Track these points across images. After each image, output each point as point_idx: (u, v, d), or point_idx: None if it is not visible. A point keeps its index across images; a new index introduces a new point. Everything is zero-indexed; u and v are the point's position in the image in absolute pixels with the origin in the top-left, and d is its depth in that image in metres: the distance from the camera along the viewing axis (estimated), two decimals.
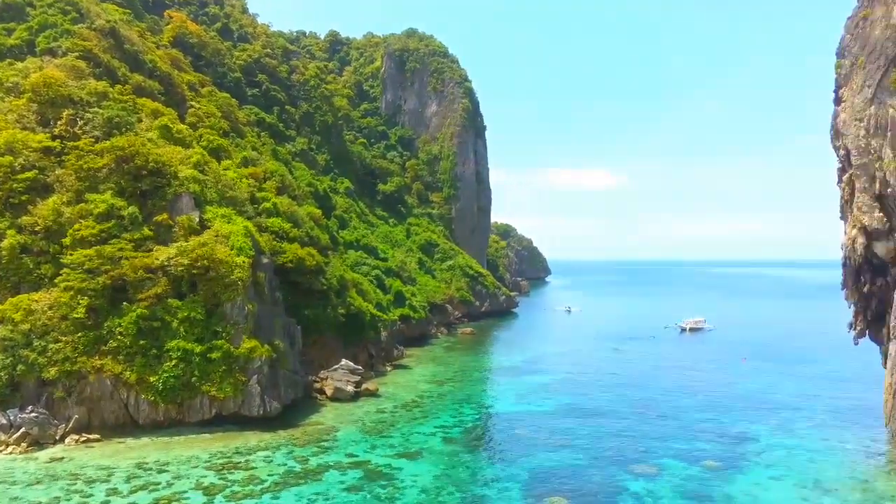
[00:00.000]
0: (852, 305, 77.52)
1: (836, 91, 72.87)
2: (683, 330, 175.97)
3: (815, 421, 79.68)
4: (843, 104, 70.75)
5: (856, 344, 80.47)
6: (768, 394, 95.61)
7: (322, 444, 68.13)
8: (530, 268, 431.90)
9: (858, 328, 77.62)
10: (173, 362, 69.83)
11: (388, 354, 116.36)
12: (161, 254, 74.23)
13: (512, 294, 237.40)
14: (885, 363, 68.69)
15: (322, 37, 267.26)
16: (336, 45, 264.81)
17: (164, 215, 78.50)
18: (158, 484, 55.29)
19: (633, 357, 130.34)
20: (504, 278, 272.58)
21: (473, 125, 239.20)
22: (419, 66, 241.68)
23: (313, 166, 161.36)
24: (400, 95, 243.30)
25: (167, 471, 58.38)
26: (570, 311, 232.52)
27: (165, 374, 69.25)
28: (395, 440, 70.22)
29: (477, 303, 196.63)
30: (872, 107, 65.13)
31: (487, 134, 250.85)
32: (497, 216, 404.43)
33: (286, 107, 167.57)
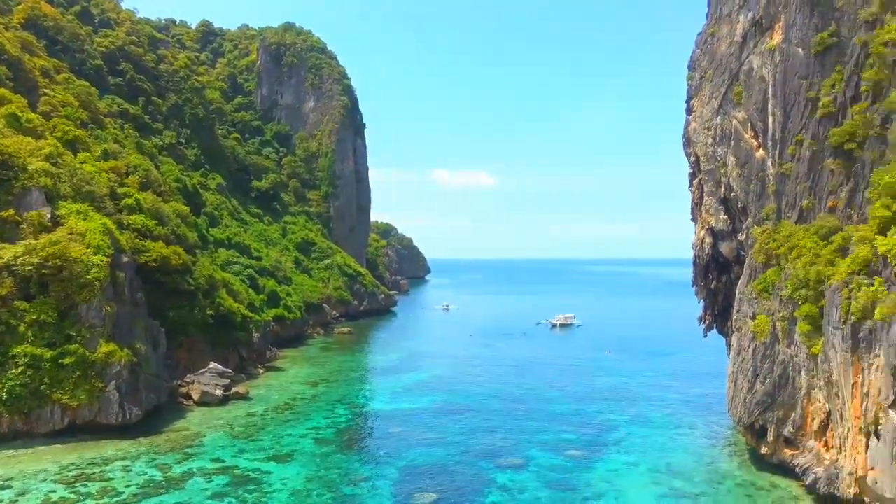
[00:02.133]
0: (702, 301, 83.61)
1: (688, 101, 78.33)
2: (554, 326, 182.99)
3: (668, 410, 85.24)
4: (693, 114, 76.15)
5: (705, 336, 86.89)
6: (628, 385, 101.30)
7: (186, 450, 65.31)
8: (410, 267, 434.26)
9: (707, 322, 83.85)
10: (20, 369, 64.61)
11: (261, 356, 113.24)
12: (6, 252, 68.43)
13: (391, 293, 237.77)
14: (730, 354, 74.53)
15: (194, 26, 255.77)
16: (209, 36, 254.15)
17: (10, 211, 72.45)
18: (0, 502, 50.97)
19: (506, 353, 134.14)
20: (384, 277, 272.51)
21: (353, 123, 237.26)
22: (297, 61, 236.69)
23: (182, 161, 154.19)
24: (276, 90, 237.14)
25: (10, 486, 53.94)
26: (447, 310, 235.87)
27: (10, 383, 63.95)
28: (266, 443, 68.49)
29: (355, 302, 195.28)
30: (719, 117, 70.52)
31: (368, 132, 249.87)
32: (378, 215, 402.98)
33: (153, 98, 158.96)
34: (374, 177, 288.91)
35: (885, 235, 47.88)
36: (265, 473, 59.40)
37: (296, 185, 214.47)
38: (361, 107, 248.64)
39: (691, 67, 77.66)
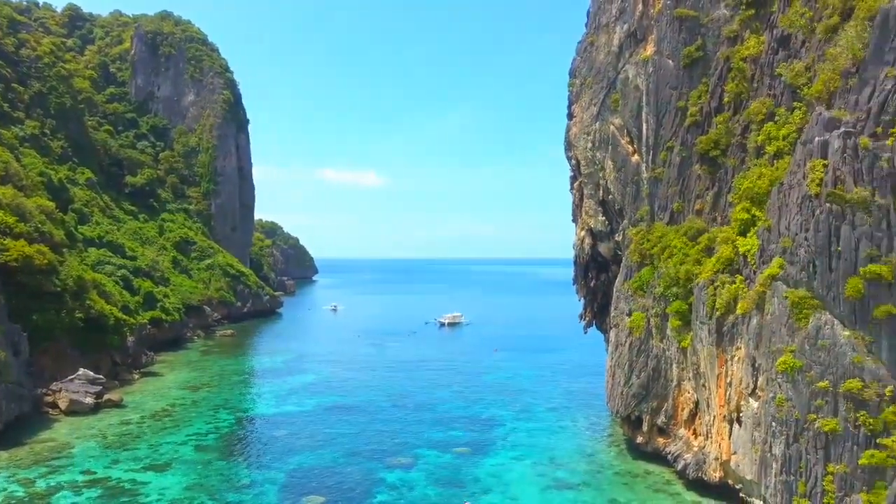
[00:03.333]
0: (582, 299, 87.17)
1: (569, 107, 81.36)
2: (442, 325, 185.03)
3: (552, 404, 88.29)
4: (574, 119, 79.20)
5: (585, 333, 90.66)
6: (514, 382, 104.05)
7: (52, 463, 60.93)
8: (297, 267, 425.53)
9: (587, 319, 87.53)
10: None
11: (136, 361, 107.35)
12: None
13: (277, 294, 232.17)
14: (608, 349, 78.11)
15: (59, 10, 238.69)
16: (77, 21, 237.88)
17: None
18: None
19: (395, 353, 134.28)
20: (269, 278, 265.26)
21: (235, 118, 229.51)
22: (175, 51, 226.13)
23: (47, 154, 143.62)
24: (153, 81, 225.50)
25: None
26: (335, 310, 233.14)
27: None
28: (142, 452, 65.03)
29: (238, 303, 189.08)
30: (597, 123, 73.72)
31: (254, 129, 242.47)
32: (264, 214, 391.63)
33: (13, 85, 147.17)
34: (260, 175, 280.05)
35: (744, 237, 51.82)
36: (141, 484, 56.41)
37: (174, 182, 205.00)
38: (246, 103, 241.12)
39: (572, 74, 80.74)
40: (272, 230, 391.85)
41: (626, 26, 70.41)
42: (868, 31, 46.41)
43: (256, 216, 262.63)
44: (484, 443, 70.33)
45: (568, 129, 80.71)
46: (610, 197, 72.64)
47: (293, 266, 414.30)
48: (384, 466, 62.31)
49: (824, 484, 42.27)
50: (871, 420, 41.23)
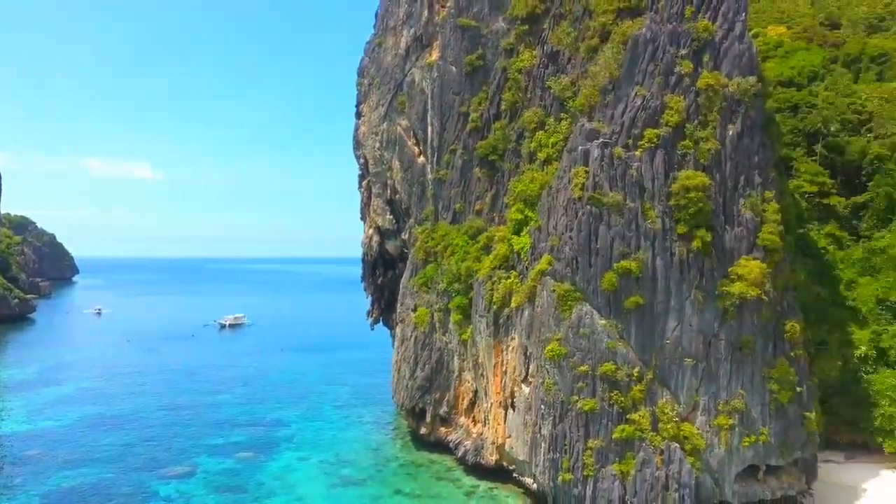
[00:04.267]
0: (370, 296, 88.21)
1: (357, 106, 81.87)
2: (223, 326, 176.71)
3: (339, 402, 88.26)
4: (363, 118, 79.90)
5: (372, 329, 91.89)
6: (301, 381, 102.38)
7: None
8: (53, 267, 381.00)
9: (375, 316, 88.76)
10: None
11: None
12: None
13: (28, 297, 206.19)
14: (394, 344, 79.88)
15: None
16: None
17: None
18: None
19: (171, 358, 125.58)
20: (18, 279, 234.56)
21: None
22: None
23: None
24: None
25: None
26: (99, 314, 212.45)
27: None
28: None
29: None
30: (385, 123, 75.04)
31: None
32: (13, 207, 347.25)
33: None
34: (6, 164, 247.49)
35: (519, 235, 55.90)
36: None
37: None
38: None
39: (360, 73, 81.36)
40: (22, 226, 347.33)
41: (412, 30, 72.43)
42: (622, 53, 52.34)
43: (2, 210, 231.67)
44: (268, 445, 68.47)
45: (357, 128, 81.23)
46: (397, 196, 74.31)
47: (49, 266, 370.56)
48: (158, 478, 58.22)
49: (584, 458, 46.95)
50: (623, 398, 46.60)
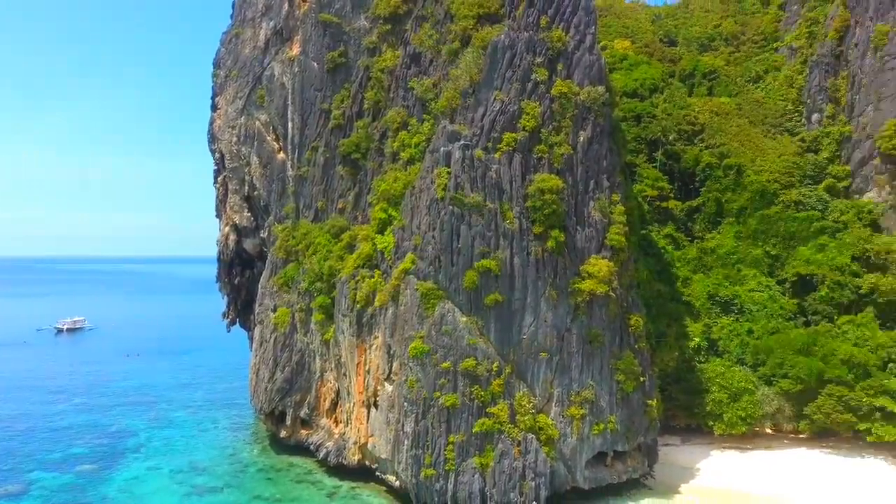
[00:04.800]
0: (226, 296, 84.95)
1: (213, 98, 78.54)
2: (60, 331, 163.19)
3: (191, 408, 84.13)
4: (219, 111, 76.76)
5: (228, 331, 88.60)
6: (150, 388, 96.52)
7: None
8: None
9: (231, 317, 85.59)
10: None
11: None
12: None
13: None
14: (252, 346, 77.43)
15: None
16: None
17: None
18: None
19: (0, 366, 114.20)
20: None
21: None
22: None
23: None
24: None
25: None
26: None
27: None
28: None
29: None
30: (243, 117, 72.56)
31: None
32: None
33: None
34: None
35: (382, 234, 56.05)
36: None
37: None
38: None
39: (217, 65, 78.13)
40: None
41: (272, 23, 70.59)
42: (482, 58, 53.93)
43: None
44: (113, 456, 64.12)
45: (212, 122, 77.94)
46: (256, 193, 72.11)
47: None
48: None
49: (446, 453, 47.98)
50: (483, 392, 48.08)
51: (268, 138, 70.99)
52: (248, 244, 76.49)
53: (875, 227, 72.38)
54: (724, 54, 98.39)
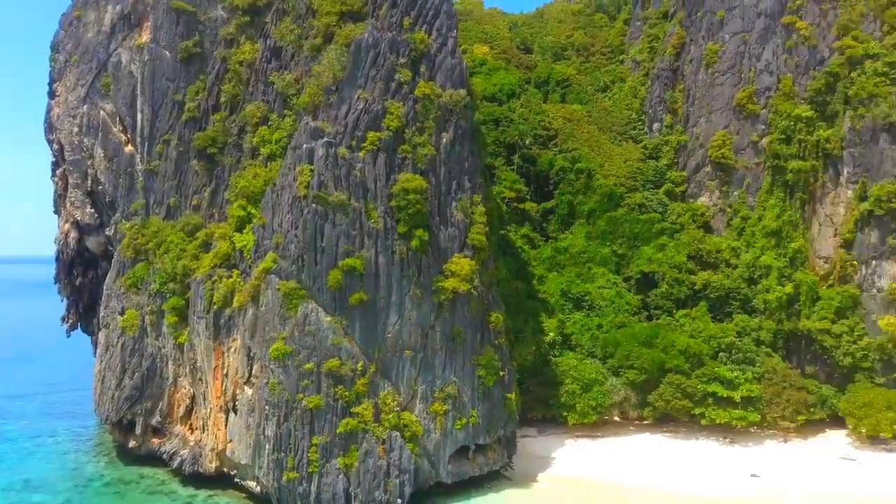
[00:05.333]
0: (66, 299, 78.55)
1: (51, 84, 72.32)
2: None
3: (26, 420, 77.00)
4: (57, 99, 70.79)
5: (68, 336, 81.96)
6: None
7: None
8: None
9: (72, 321, 79.23)
10: None
11: None
12: None
13: None
14: (97, 352, 72.16)
15: None
16: None
17: None
18: None
19: None
20: None
21: None
22: None
23: None
24: None
25: None
26: None
27: None
28: None
29: None
30: (85, 106, 67.40)
31: None
32: None
33: None
34: None
35: (241, 233, 54.21)
36: None
37: None
38: None
39: (55, 48, 71.96)
40: None
41: (119, 7, 66.20)
42: (345, 55, 53.54)
43: None
44: None
45: (49, 110, 71.77)
46: (100, 188, 67.27)
47: None
48: None
49: (309, 455, 47.31)
50: (347, 393, 47.89)
51: (114, 129, 66.49)
52: (92, 242, 71.18)
53: (707, 228, 79.57)
54: (576, 64, 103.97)
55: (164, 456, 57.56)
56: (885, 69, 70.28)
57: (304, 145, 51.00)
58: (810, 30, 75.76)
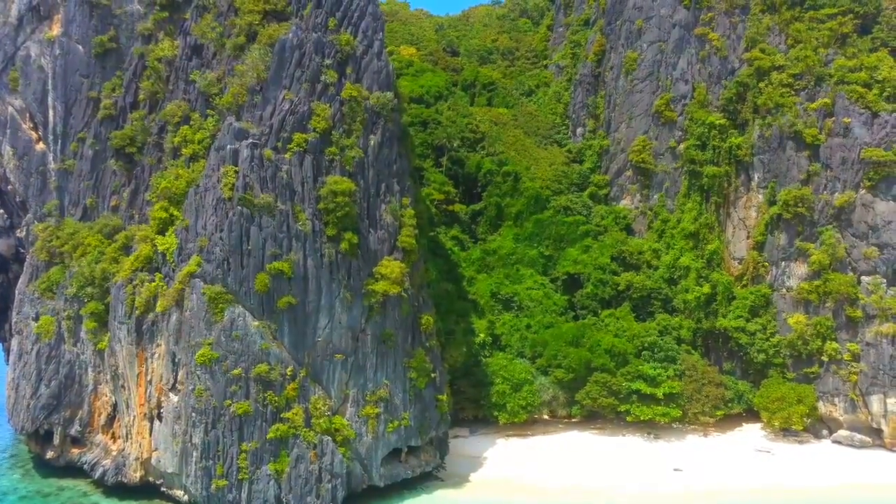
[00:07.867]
0: None
1: None
2: None
3: None
4: None
5: None
6: None
7: None
8: None
9: None
10: None
11: None
12: None
13: None
14: (9, 359, 68.41)
15: None
16: None
17: None
18: None
19: None
20: None
21: None
22: None
23: None
24: None
25: None
26: None
27: None
28: None
29: None
30: None
31: None
32: None
33: None
34: None
35: (163, 235, 52.48)
36: None
37: None
38: None
39: None
40: None
41: None
42: (269, 55, 52.69)
43: None
44: None
45: None
46: (10, 187, 64.02)
47: None
48: None
49: (239, 462, 46.44)
50: (277, 398, 47.25)
51: (24, 126, 63.38)
52: (2, 245, 67.48)
53: (629, 230, 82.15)
54: (502, 67, 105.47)
55: (86, 466, 55.09)
56: (789, 80, 74.02)
57: (228, 146, 49.92)
58: (721, 41, 79.23)
